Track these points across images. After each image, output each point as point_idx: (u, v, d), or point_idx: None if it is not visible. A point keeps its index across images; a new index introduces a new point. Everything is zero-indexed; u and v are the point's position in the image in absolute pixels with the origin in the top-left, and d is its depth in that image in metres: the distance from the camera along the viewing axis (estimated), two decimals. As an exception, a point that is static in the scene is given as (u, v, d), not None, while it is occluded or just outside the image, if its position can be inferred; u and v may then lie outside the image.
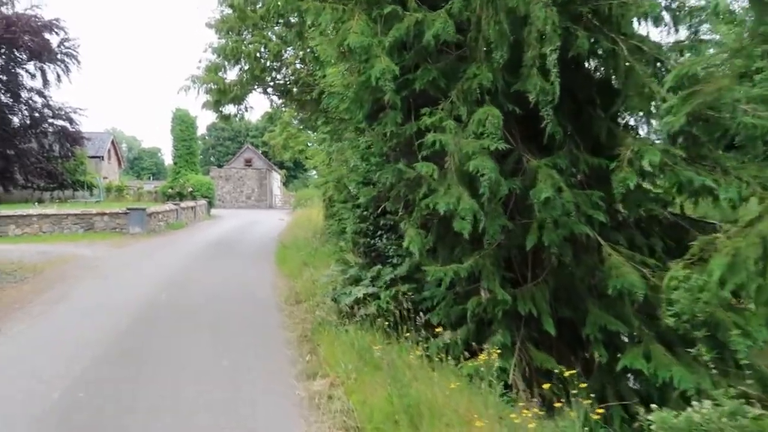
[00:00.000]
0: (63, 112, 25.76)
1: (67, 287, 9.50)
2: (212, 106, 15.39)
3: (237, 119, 17.43)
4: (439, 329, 5.18)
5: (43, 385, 4.90)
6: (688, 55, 5.51)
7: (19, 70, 24.47)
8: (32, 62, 24.45)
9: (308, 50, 12.30)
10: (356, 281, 6.65)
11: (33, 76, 24.74)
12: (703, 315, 2.98)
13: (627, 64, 4.96)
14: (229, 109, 15.97)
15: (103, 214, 18.27)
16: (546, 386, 3.86)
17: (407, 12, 5.05)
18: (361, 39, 4.86)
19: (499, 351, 4.56)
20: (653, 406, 3.08)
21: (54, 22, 24.74)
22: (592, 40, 5.02)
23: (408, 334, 5.34)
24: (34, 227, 17.06)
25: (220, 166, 52.28)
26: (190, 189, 29.18)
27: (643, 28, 5.67)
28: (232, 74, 15.17)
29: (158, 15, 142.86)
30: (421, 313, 5.58)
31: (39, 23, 23.99)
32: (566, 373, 3.79)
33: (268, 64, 14.82)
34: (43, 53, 23.94)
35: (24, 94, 24.82)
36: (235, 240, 18.55)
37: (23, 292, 8.99)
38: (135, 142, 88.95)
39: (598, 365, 5.40)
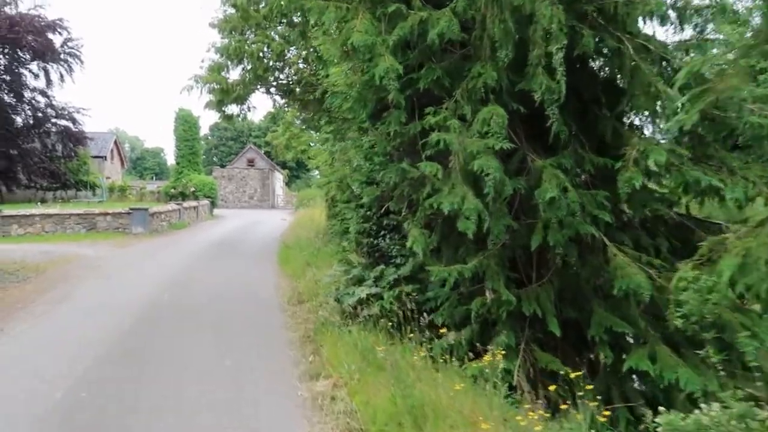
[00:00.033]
0: (66, 112, 25.87)
1: (70, 287, 9.50)
2: (215, 106, 15.39)
3: (240, 119, 17.43)
4: (443, 330, 5.14)
5: (45, 385, 4.89)
6: (693, 54, 5.50)
7: (22, 70, 24.53)
8: (35, 62, 24.53)
9: (311, 50, 12.28)
10: (359, 281, 6.61)
11: (36, 76, 24.78)
12: (712, 316, 2.94)
13: (633, 63, 4.92)
14: (232, 108, 15.99)
15: (106, 214, 18.28)
16: (552, 388, 3.82)
17: (411, 11, 5.02)
18: (365, 38, 4.83)
19: (503, 352, 4.52)
20: (661, 408, 3.04)
21: (57, 22, 24.86)
22: (598, 39, 4.98)
23: (411, 334, 5.30)
24: (36, 227, 17.09)
25: (222, 166, 52.35)
26: (192, 189, 29.20)
27: (647, 27, 5.67)
28: (234, 74, 15.20)
29: (161, 15, 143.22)
30: (424, 314, 5.54)
31: (42, 23, 24.10)
32: (572, 375, 3.74)
33: (270, 63, 14.82)
34: (46, 53, 24.03)
35: (27, 94, 24.92)
36: (238, 240, 18.55)
37: (26, 292, 8.99)
38: (138, 142, 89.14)
39: (603, 366, 5.37)
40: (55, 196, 26.34)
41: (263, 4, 13.92)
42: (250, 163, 50.87)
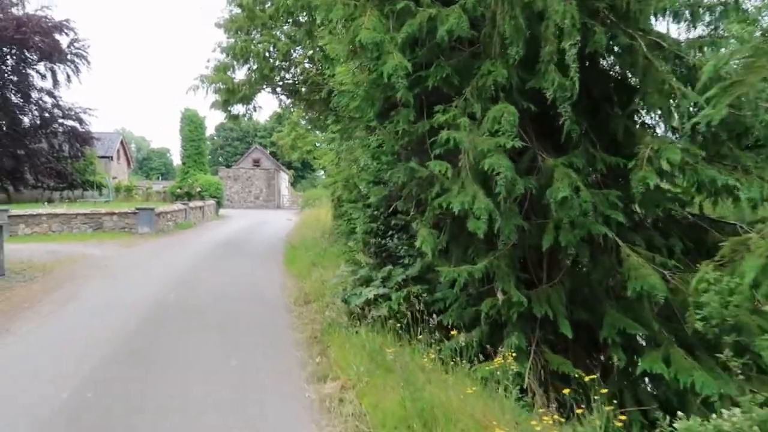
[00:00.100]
0: (73, 113, 26.09)
1: (77, 287, 9.49)
2: (221, 106, 15.39)
3: (245, 119, 17.43)
4: (453, 332, 5.07)
5: (52, 385, 4.87)
6: (707, 51, 5.40)
7: (29, 71, 24.88)
8: (42, 63, 24.82)
9: (317, 49, 12.24)
10: (367, 282, 6.55)
11: (43, 76, 25.17)
12: (734, 319, 2.85)
13: (645, 60, 4.83)
14: (238, 108, 15.98)
15: (112, 213, 18.31)
16: (566, 391, 3.74)
17: (420, 8, 4.95)
18: (373, 35, 4.77)
19: (514, 354, 4.44)
20: (679, 414, 2.96)
21: (64, 22, 25.08)
22: (610, 36, 4.90)
23: (420, 336, 5.24)
24: (43, 227, 17.13)
25: (228, 167, 52.46)
26: (198, 189, 29.27)
27: (658, 25, 5.57)
28: (240, 74, 15.19)
29: (168, 15, 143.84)
30: (433, 315, 5.47)
31: (49, 24, 24.30)
32: (586, 378, 3.66)
33: (276, 63, 14.80)
34: (53, 54, 24.25)
35: (34, 95, 25.24)
36: (244, 240, 18.54)
37: (33, 292, 8.99)
38: (144, 142, 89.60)
39: (616, 369, 5.28)
40: (62, 196, 26.51)
41: (269, 4, 13.91)
42: (256, 163, 50.96)
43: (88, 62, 26.25)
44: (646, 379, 5.49)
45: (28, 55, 24.45)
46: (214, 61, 15.12)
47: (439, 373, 4.52)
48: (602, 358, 5.74)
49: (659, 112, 5.15)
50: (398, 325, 5.62)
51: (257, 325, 7.25)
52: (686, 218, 5.73)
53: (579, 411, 3.37)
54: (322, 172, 30.40)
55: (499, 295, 4.72)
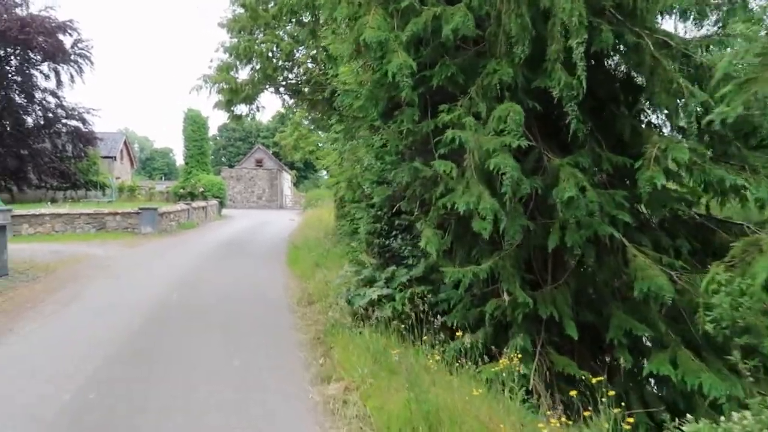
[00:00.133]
0: (76, 113, 26.15)
1: (80, 287, 9.48)
2: (224, 106, 15.39)
3: (248, 119, 17.44)
4: (459, 334, 5.03)
5: (54, 385, 4.85)
6: (714, 50, 5.35)
7: (33, 71, 24.95)
8: (46, 63, 24.88)
9: (321, 49, 12.22)
10: (370, 282, 6.51)
11: (47, 76, 25.22)
12: (744, 321, 2.81)
13: (652, 59, 4.79)
14: (241, 108, 15.99)
15: (115, 213, 18.32)
16: (573, 393, 3.70)
17: (425, 6, 4.92)
18: (378, 34, 4.74)
19: (520, 356, 4.40)
20: (688, 417, 2.91)
21: (68, 23, 25.13)
22: (616, 34, 4.86)
23: (425, 337, 5.20)
24: (46, 226, 17.15)
25: (231, 167, 52.52)
26: (201, 189, 29.29)
27: (664, 24, 5.53)
28: (243, 74, 15.20)
29: (171, 15, 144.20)
30: (438, 316, 5.43)
31: (53, 24, 24.36)
32: (593, 380, 3.62)
33: (279, 63, 14.79)
34: (56, 54, 24.30)
35: (38, 95, 25.29)
36: (246, 240, 18.53)
37: (35, 291, 8.98)
38: (147, 142, 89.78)
39: (622, 370, 5.23)
40: (65, 196, 26.55)
41: (272, 4, 13.91)
42: (259, 163, 51.00)
43: (92, 62, 26.32)
44: (651, 381, 5.45)
45: (32, 56, 24.51)
46: (217, 61, 15.16)
47: (444, 374, 4.49)
48: (607, 359, 5.70)
49: (666, 111, 5.09)
50: (402, 326, 5.58)
51: (260, 325, 7.22)
52: (693, 218, 5.68)
53: (586, 414, 3.33)
54: (325, 173, 30.39)
55: (505, 296, 4.67)
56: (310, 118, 19.90)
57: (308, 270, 10.61)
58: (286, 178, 51.33)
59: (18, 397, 4.62)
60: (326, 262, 10.70)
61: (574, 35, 4.09)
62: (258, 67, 14.64)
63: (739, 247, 3.18)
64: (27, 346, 6.13)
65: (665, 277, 4.39)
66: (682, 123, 5.43)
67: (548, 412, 3.82)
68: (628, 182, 5.49)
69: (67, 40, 25.09)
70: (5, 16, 22.80)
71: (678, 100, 4.58)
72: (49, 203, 22.48)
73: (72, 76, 25.70)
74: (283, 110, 21.75)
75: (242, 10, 14.38)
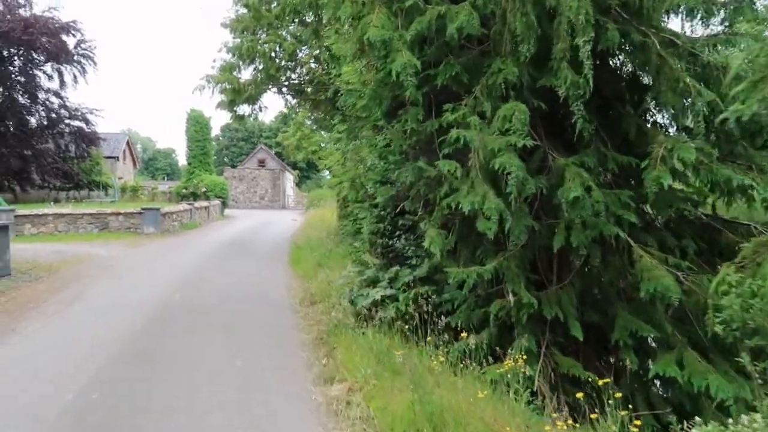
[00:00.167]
0: (79, 113, 26.20)
1: (82, 287, 9.48)
2: (227, 106, 15.38)
3: (251, 119, 17.44)
4: (464, 335, 4.99)
5: (56, 385, 4.84)
6: (721, 49, 5.31)
7: (36, 72, 25.00)
8: (49, 64, 24.93)
9: (324, 48, 12.21)
10: (373, 283, 6.48)
11: (50, 77, 25.27)
12: (755, 323, 2.77)
13: (659, 58, 4.75)
14: (244, 109, 15.98)
15: (118, 213, 18.33)
16: (580, 395, 3.66)
17: (429, 5, 4.89)
18: (382, 33, 4.71)
19: (525, 357, 4.37)
20: (697, 420, 2.88)
21: (71, 23, 25.18)
22: (622, 33, 4.82)
23: (428, 338, 5.17)
24: (49, 226, 17.17)
25: (233, 167, 52.56)
26: (203, 189, 29.31)
27: (670, 23, 5.49)
28: (246, 74, 15.18)
29: (174, 16, 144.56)
30: (442, 316, 5.40)
31: (56, 25, 24.41)
32: (600, 382, 3.58)
33: (282, 63, 14.78)
34: (60, 55, 24.35)
35: (41, 95, 25.34)
36: (249, 240, 18.52)
37: (38, 292, 8.98)
38: (150, 142, 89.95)
39: (627, 372, 5.19)
40: (68, 196, 26.59)
41: (275, 4, 13.90)
42: (261, 163, 51.03)
43: (95, 63, 26.36)
44: (657, 382, 5.41)
45: (35, 56, 24.56)
46: (220, 61, 15.16)
47: (448, 375, 4.45)
48: (611, 360, 5.66)
49: (672, 111, 5.04)
50: (406, 326, 5.55)
51: (263, 325, 7.20)
52: (699, 219, 5.64)
53: (593, 416, 3.29)
54: (327, 173, 30.40)
55: (510, 297, 4.64)
56: (312, 118, 19.90)
57: (311, 270, 10.59)
58: (289, 179, 51.35)
59: (20, 397, 4.61)
60: (329, 262, 10.67)
61: (581, 33, 4.05)
62: (261, 67, 14.63)
63: (749, 247, 3.14)
64: (30, 346, 6.12)
65: (672, 277, 4.35)
66: (688, 122, 5.40)
67: (554, 414, 3.78)
68: (632, 182, 5.46)
69: (70, 41, 25.15)
70: (9, 16, 22.86)
71: (685, 100, 4.53)
72: (52, 203, 22.51)
73: (75, 77, 25.76)
74: (285, 110, 21.72)
75: (245, 11, 14.38)
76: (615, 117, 5.48)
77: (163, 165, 78.07)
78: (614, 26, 4.62)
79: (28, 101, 25.21)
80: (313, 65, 14.97)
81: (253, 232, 21.97)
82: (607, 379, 3.59)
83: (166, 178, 63.06)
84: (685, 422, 3.16)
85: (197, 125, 31.90)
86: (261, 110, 16.26)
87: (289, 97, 16.95)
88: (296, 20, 13.80)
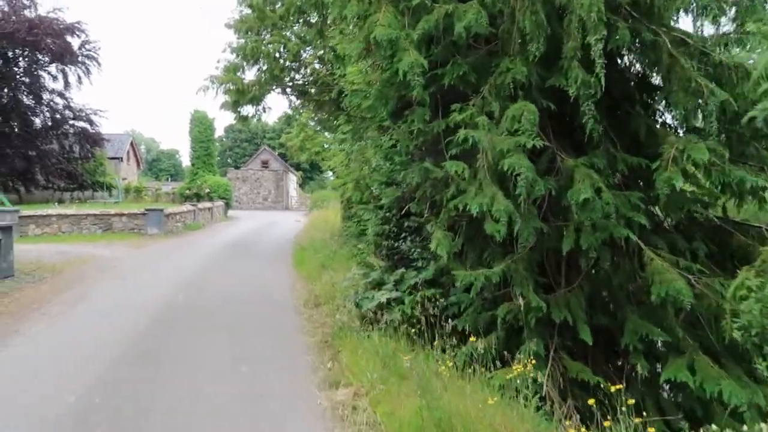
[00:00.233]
0: (83, 114, 26.25)
1: (86, 288, 9.45)
2: (230, 107, 15.35)
3: (255, 120, 17.41)
4: (472, 339, 4.92)
5: (59, 387, 4.80)
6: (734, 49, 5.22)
7: (41, 73, 25.08)
8: (54, 64, 25.00)
9: (328, 49, 12.16)
10: (379, 285, 6.41)
11: (55, 78, 25.34)
12: (775, 328, 2.69)
13: (670, 57, 4.67)
14: (247, 109, 15.95)
15: (122, 214, 18.33)
16: (591, 401, 3.58)
17: (436, 4, 4.82)
18: (389, 32, 4.64)
19: (534, 361, 4.29)
20: (714, 428, 2.80)
21: (75, 24, 25.25)
22: (632, 32, 4.74)
23: (435, 341, 5.09)
24: (53, 227, 17.17)
25: (237, 168, 52.60)
26: (207, 190, 29.32)
27: (680, 22, 5.40)
28: (250, 74, 15.17)
29: (178, 17, 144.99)
30: (449, 320, 5.32)
31: (61, 26, 24.48)
32: (612, 389, 3.51)
33: (286, 64, 14.75)
34: (64, 55, 24.41)
35: (46, 96, 25.41)
36: (252, 241, 18.48)
37: (42, 292, 8.95)
38: (153, 143, 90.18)
39: (636, 376, 5.11)
40: (72, 197, 26.64)
41: (279, 4, 13.87)
42: (265, 164, 51.06)
43: (99, 64, 26.41)
44: (666, 387, 5.32)
45: (40, 57, 24.62)
46: (224, 61, 15.15)
47: (455, 379, 4.38)
48: (619, 363, 5.58)
49: (684, 111, 4.95)
50: (412, 330, 5.48)
51: (266, 327, 7.15)
52: (709, 221, 5.55)
53: (607, 424, 3.21)
54: (331, 174, 30.36)
55: (520, 300, 4.56)
56: (316, 119, 19.86)
57: (315, 271, 10.53)
58: (292, 180, 51.36)
59: (22, 399, 4.58)
60: (333, 264, 10.61)
61: (593, 32, 3.98)
62: (265, 67, 14.61)
63: (769, 251, 3.06)
64: (33, 348, 6.08)
65: (684, 281, 4.26)
66: (698, 123, 5.32)
67: (567, 423, 3.70)
68: (641, 183, 5.38)
69: (74, 42, 25.20)
70: (14, 17, 22.92)
71: (698, 100, 4.44)
72: (56, 204, 22.55)
73: (79, 78, 25.82)
74: (289, 111, 21.68)
75: (249, 11, 14.36)
76: (624, 117, 5.39)
77: (167, 166, 78.24)
78: (624, 25, 4.54)
79: (33, 102, 25.27)
80: (317, 66, 14.95)
81: (256, 233, 21.94)
82: (620, 386, 3.50)
83: (169, 179, 63.18)
84: (700, 429, 3.09)
85: (201, 126, 31.94)
86: (265, 111, 16.26)
87: (293, 98, 16.93)
88: (301, 20, 13.79)
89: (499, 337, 5.15)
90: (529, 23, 4.32)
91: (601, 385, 4.36)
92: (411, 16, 4.89)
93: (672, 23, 5.17)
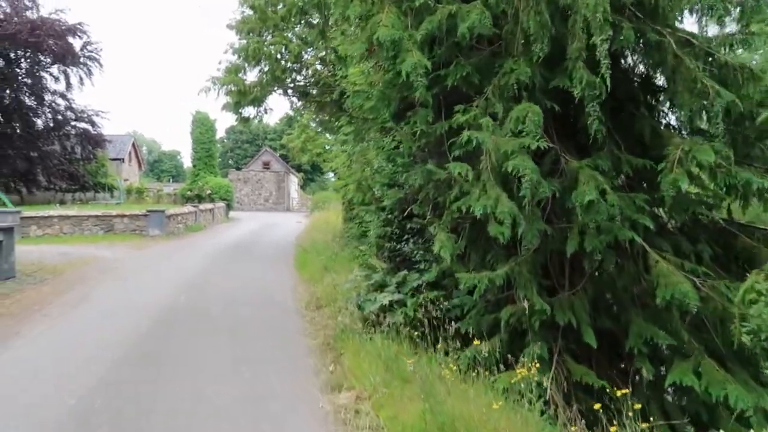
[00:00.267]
0: (85, 115, 26.27)
1: (88, 289, 9.43)
2: (232, 108, 15.33)
3: (256, 121, 17.38)
4: (477, 342, 4.88)
5: (60, 388, 4.78)
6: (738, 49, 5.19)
7: (43, 74, 25.10)
8: (56, 66, 25.02)
9: (330, 50, 12.15)
10: (381, 287, 6.38)
11: (56, 79, 25.35)
12: (785, 333, 2.65)
13: (675, 58, 4.63)
14: (249, 110, 15.94)
15: (123, 216, 18.32)
16: (597, 406, 3.54)
17: (440, 4, 4.80)
18: (392, 32, 4.62)
19: (537, 365, 4.25)
20: (722, 433, 2.76)
21: (77, 26, 25.27)
22: (636, 32, 4.70)
23: (438, 344, 5.05)
24: (55, 228, 17.16)
25: (238, 169, 52.63)
26: (208, 191, 29.32)
27: (684, 23, 5.37)
28: (252, 75, 15.15)
29: (179, 18, 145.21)
30: (452, 322, 5.28)
31: (63, 27, 24.50)
32: (618, 393, 3.47)
33: (288, 65, 14.74)
34: (66, 57, 24.43)
35: (47, 97, 25.42)
36: (254, 243, 18.46)
37: (43, 294, 8.93)
38: (155, 144, 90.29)
39: (641, 380, 5.07)
40: (74, 198, 26.66)
41: (281, 5, 13.85)
42: (266, 166, 51.06)
43: (101, 65, 26.43)
44: (670, 390, 5.27)
45: (42, 58, 24.65)
46: (225, 62, 15.14)
47: (458, 383, 4.34)
48: (622, 365, 5.54)
49: (689, 112, 4.91)
50: (414, 332, 5.44)
51: (268, 329, 7.12)
52: (714, 223, 5.51)
53: (613, 429, 3.17)
54: (332, 175, 30.36)
55: (525, 303, 4.52)
56: (317, 120, 19.85)
57: (316, 273, 10.50)
58: (293, 181, 51.37)
59: (23, 400, 4.56)
60: (334, 266, 10.57)
61: (598, 32, 3.94)
62: (266, 68, 14.59)
63: (779, 254, 3.02)
64: (34, 349, 6.05)
65: (689, 283, 4.22)
66: (702, 124, 5.28)
67: (573, 429, 3.66)
68: (645, 185, 5.34)
69: (76, 43, 25.23)
70: (16, 18, 22.94)
71: (703, 101, 4.40)
72: (57, 205, 22.56)
73: (81, 79, 25.84)
74: (291, 112, 21.72)
75: (251, 12, 14.35)
76: (628, 119, 5.36)
77: (168, 167, 78.35)
78: (629, 25, 4.51)
79: (35, 103, 25.30)
80: (318, 67, 14.93)
81: (257, 234, 21.92)
82: (626, 390, 3.46)
83: (171, 180, 63.26)
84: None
85: (202, 127, 31.96)
86: (266, 112, 16.23)
87: (294, 99, 16.91)
88: (302, 21, 13.78)
89: (503, 340, 5.11)
90: (533, 24, 4.29)
91: (607, 390, 4.32)
92: (414, 17, 4.86)
93: (676, 24, 5.14)
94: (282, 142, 39.89)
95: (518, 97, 4.63)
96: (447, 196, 5.07)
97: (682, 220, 5.12)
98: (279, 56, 14.33)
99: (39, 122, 25.56)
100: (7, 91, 24.13)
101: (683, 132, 5.63)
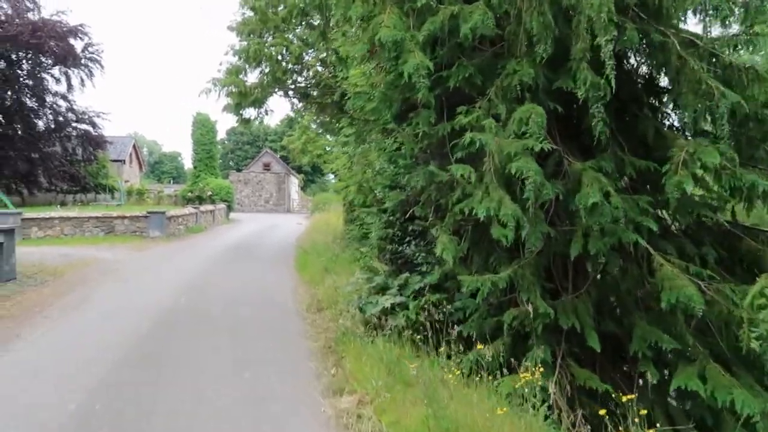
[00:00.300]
0: (86, 116, 26.27)
1: (88, 290, 9.40)
2: (233, 109, 15.32)
3: (257, 123, 17.36)
4: (480, 346, 4.83)
5: (62, 390, 4.76)
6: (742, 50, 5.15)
7: (44, 75, 25.11)
8: (57, 67, 25.02)
9: (331, 51, 12.12)
10: (383, 290, 6.33)
11: (58, 80, 25.35)
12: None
13: (679, 58, 4.59)
14: (250, 112, 15.93)
15: (124, 217, 18.29)
16: (602, 412, 3.50)
17: (442, 5, 4.76)
18: (394, 33, 4.58)
19: (541, 369, 4.20)
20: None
21: (79, 27, 25.28)
22: (640, 33, 4.67)
23: (441, 348, 5.01)
24: (55, 230, 17.14)
25: (239, 170, 52.62)
26: (209, 193, 29.30)
27: (688, 24, 5.34)
28: (252, 77, 15.14)
29: (181, 20, 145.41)
30: (454, 326, 5.24)
31: (64, 29, 24.51)
32: (624, 398, 3.42)
33: (289, 66, 14.73)
34: (67, 58, 24.44)
35: (49, 99, 25.43)
36: (254, 244, 18.43)
37: (44, 296, 8.90)
38: (156, 146, 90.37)
39: (645, 384, 5.02)
40: (75, 199, 26.64)
41: (282, 7, 13.84)
42: (266, 167, 51.05)
43: (102, 66, 26.43)
44: (674, 395, 5.22)
45: (43, 60, 24.65)
46: (226, 64, 15.13)
47: (461, 387, 4.30)
48: (625, 368, 5.49)
49: (694, 113, 4.86)
50: (417, 335, 5.40)
51: (269, 331, 7.08)
52: (718, 225, 5.46)
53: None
54: (332, 176, 30.34)
55: (528, 307, 4.47)
56: (318, 121, 19.83)
57: (317, 275, 10.46)
58: (294, 182, 51.36)
59: (23, 401, 4.54)
60: (335, 268, 10.53)
61: (603, 32, 3.90)
62: (267, 70, 14.58)
63: (788, 258, 2.98)
64: (35, 352, 6.03)
65: (694, 287, 4.18)
66: (706, 126, 5.24)
67: (578, 432, 3.62)
68: (649, 187, 5.30)
69: (78, 45, 25.23)
70: (17, 20, 22.95)
71: (708, 102, 4.36)
72: (58, 206, 22.52)
73: (82, 80, 25.84)
74: (291, 114, 21.72)
75: (251, 13, 14.34)
76: (631, 120, 5.32)
77: (169, 168, 78.40)
78: (633, 26, 4.47)
79: (36, 104, 25.29)
80: (319, 68, 14.92)
81: (258, 235, 21.89)
82: (632, 396, 3.42)
83: (172, 181, 63.27)
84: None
85: (203, 128, 31.97)
86: (267, 113, 16.23)
87: (295, 101, 16.89)
88: (303, 23, 13.76)
89: (506, 343, 5.07)
90: (536, 24, 4.25)
91: (611, 394, 4.28)
92: (416, 18, 4.83)
93: (680, 24, 5.11)
94: (283, 143, 39.90)
95: (521, 98, 4.60)
96: (449, 198, 5.03)
97: (686, 222, 5.08)
98: (280, 58, 14.32)
99: (40, 124, 25.55)
100: (9, 93, 24.13)
101: (687, 133, 5.59)
